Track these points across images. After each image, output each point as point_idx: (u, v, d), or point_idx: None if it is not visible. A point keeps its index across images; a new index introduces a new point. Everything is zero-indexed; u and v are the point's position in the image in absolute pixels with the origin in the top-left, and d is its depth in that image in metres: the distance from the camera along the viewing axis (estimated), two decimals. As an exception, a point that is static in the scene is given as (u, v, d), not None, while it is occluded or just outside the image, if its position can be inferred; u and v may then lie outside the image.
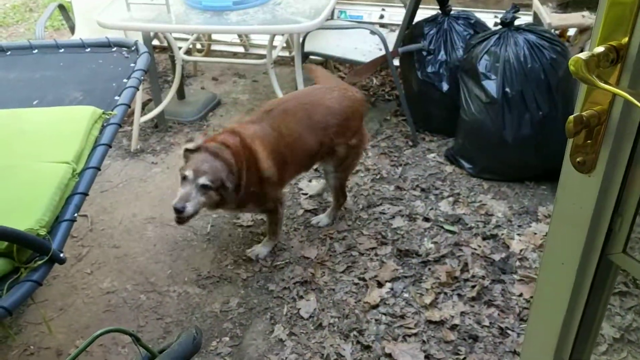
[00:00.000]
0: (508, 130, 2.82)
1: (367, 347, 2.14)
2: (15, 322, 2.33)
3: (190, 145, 2.24)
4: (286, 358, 2.14)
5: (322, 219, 2.76)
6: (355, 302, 2.33)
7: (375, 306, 2.31)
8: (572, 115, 0.80)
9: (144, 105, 3.63)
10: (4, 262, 1.60)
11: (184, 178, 2.19)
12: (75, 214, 1.75)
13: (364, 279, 2.42)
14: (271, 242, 2.62)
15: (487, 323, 2.22)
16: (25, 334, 2.28)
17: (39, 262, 1.59)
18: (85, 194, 1.81)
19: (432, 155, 3.21)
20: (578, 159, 0.85)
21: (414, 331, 2.19)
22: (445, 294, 2.35)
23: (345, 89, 2.56)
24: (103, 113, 2.05)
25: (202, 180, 2.17)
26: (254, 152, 2.32)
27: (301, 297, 2.36)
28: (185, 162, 2.24)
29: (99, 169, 1.90)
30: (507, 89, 2.79)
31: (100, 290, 2.46)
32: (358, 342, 2.17)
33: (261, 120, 2.38)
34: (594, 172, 0.83)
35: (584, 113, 0.80)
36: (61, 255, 1.63)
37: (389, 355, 2.11)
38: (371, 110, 3.58)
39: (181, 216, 2.16)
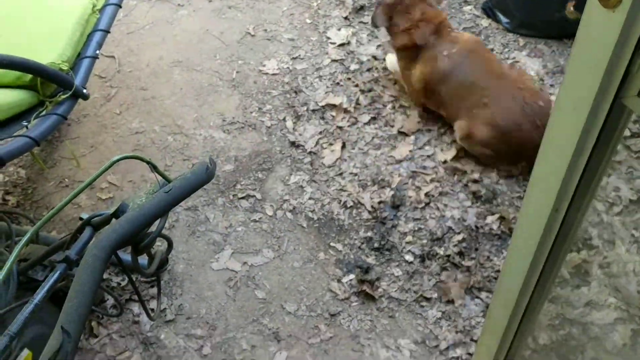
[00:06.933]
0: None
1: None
2: (50, 156, 2.49)
3: None
4: (305, 202, 2.29)
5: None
6: (379, 154, 2.44)
7: (400, 161, 2.41)
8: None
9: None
10: (29, 94, 1.74)
11: None
12: (98, 51, 1.89)
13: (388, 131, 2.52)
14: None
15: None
16: (59, 168, 2.45)
17: (63, 97, 1.73)
18: (107, 32, 1.95)
19: (469, 7, 3.09)
20: (604, -7, 0.80)
21: (432, 176, 2.38)
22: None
23: None
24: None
25: None
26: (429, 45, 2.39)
27: (324, 148, 2.47)
28: None
29: (120, 6, 2.02)
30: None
31: (129, 130, 2.59)
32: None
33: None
34: (619, 7, 0.78)
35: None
36: (84, 91, 1.76)
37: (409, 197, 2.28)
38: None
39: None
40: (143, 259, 1.53)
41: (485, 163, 2.38)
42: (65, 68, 1.76)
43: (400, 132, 2.50)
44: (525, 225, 1.06)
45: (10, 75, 1.70)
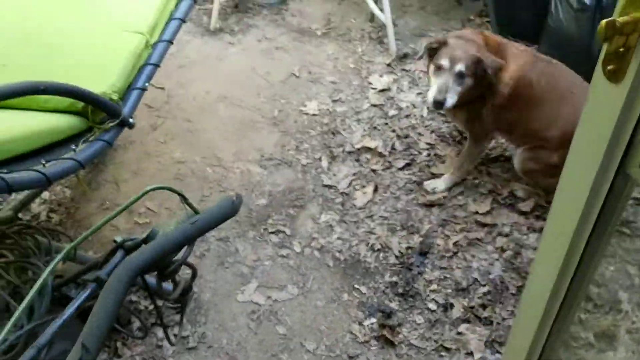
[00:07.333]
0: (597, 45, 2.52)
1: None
2: (94, 179, 2.62)
3: (434, 43, 2.25)
4: (333, 242, 2.34)
5: (439, 183, 2.52)
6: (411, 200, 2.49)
7: (431, 207, 2.44)
8: (605, 20, 0.78)
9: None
10: (80, 120, 1.83)
11: (439, 68, 2.20)
12: (147, 84, 1.97)
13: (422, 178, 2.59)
14: (452, 178, 2.50)
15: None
16: (102, 191, 2.57)
17: (110, 125, 1.82)
18: (157, 66, 2.04)
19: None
20: (609, 67, 0.83)
21: (462, 226, 2.39)
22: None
23: None
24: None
25: (459, 67, 2.17)
26: (503, 52, 2.26)
27: (356, 189, 2.53)
28: (430, 59, 2.26)
29: (172, 43, 2.12)
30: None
31: (172, 159, 2.71)
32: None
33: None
34: (623, 81, 0.81)
35: (618, 19, 0.78)
36: (130, 120, 1.87)
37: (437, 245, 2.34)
38: (455, 8, 3.55)
39: (440, 109, 2.30)
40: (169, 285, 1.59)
41: (538, 182, 2.39)
42: (115, 98, 1.87)
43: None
44: (535, 283, 1.08)
45: (65, 102, 1.82)
